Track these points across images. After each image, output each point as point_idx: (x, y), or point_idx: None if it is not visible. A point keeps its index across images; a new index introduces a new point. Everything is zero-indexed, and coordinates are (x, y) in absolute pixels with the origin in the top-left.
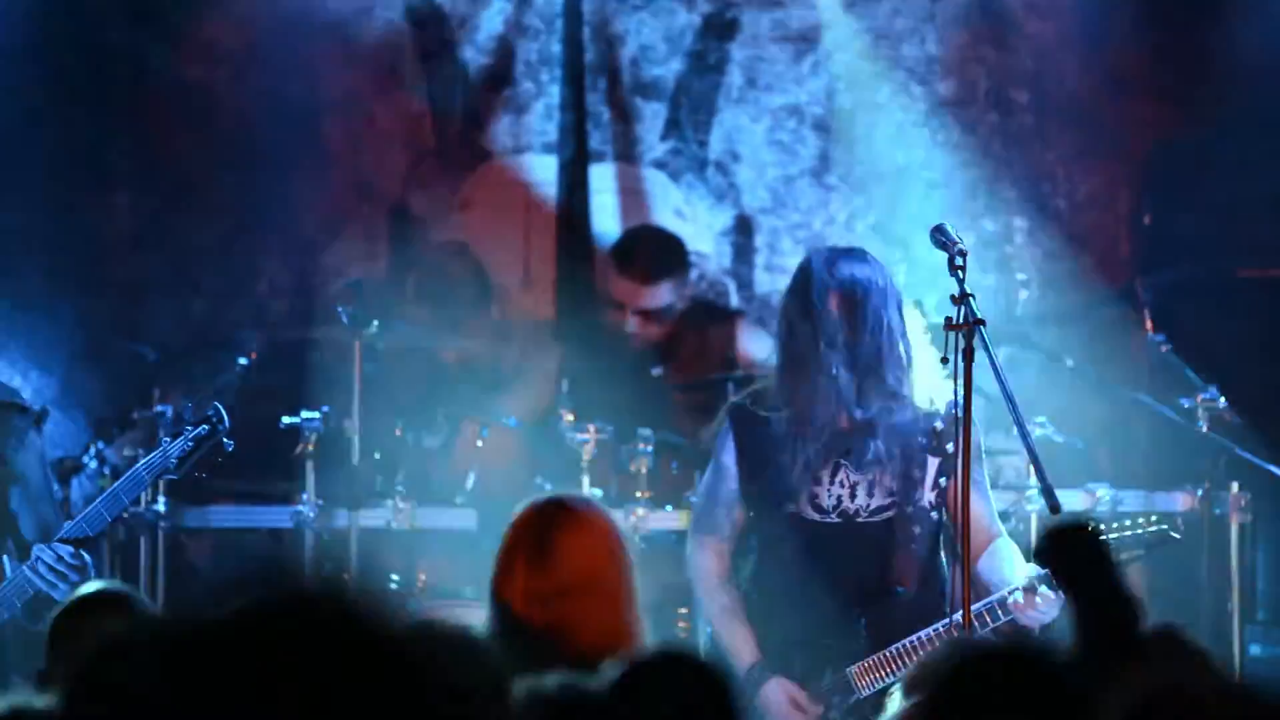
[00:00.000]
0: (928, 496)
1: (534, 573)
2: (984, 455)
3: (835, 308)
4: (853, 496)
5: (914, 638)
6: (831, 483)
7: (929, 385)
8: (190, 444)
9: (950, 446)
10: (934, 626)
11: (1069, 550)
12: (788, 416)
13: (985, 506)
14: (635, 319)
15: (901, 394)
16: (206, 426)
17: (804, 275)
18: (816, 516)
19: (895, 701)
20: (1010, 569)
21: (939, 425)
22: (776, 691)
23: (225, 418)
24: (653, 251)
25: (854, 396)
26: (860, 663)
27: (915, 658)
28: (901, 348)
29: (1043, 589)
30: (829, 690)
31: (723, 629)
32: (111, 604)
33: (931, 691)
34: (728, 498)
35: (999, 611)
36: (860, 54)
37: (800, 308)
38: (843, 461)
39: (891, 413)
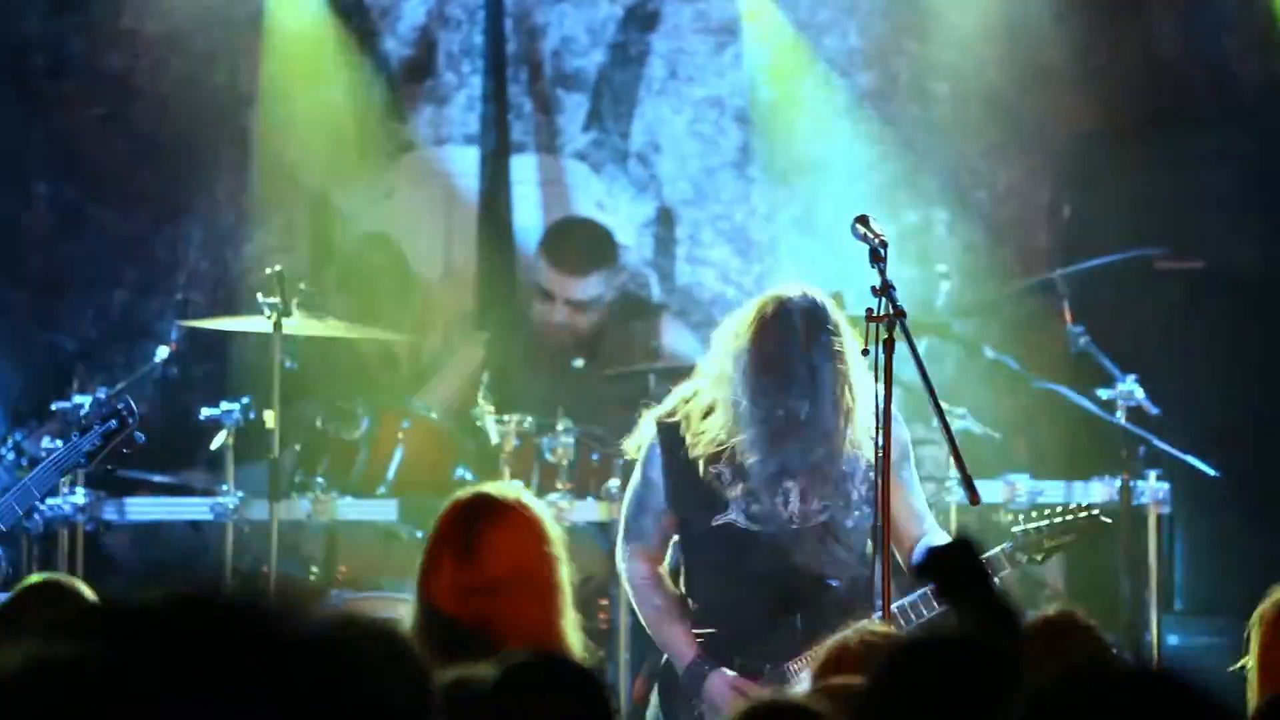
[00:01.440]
0: (858, 491)
1: (461, 568)
2: (910, 453)
3: (799, 349)
4: (786, 504)
5: (846, 629)
6: (764, 492)
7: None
8: (100, 439)
9: (880, 439)
10: (867, 619)
11: (949, 567)
12: (722, 431)
13: (915, 502)
14: (565, 310)
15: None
16: (116, 420)
17: (768, 311)
18: (750, 526)
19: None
20: None
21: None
22: (719, 682)
23: (135, 411)
24: (584, 243)
25: (792, 406)
26: (796, 658)
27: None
28: (851, 383)
29: None
30: (767, 685)
31: (660, 630)
32: (54, 594)
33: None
34: (656, 507)
35: (933, 601)
36: (782, 46)
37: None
38: (777, 469)
39: (828, 436)
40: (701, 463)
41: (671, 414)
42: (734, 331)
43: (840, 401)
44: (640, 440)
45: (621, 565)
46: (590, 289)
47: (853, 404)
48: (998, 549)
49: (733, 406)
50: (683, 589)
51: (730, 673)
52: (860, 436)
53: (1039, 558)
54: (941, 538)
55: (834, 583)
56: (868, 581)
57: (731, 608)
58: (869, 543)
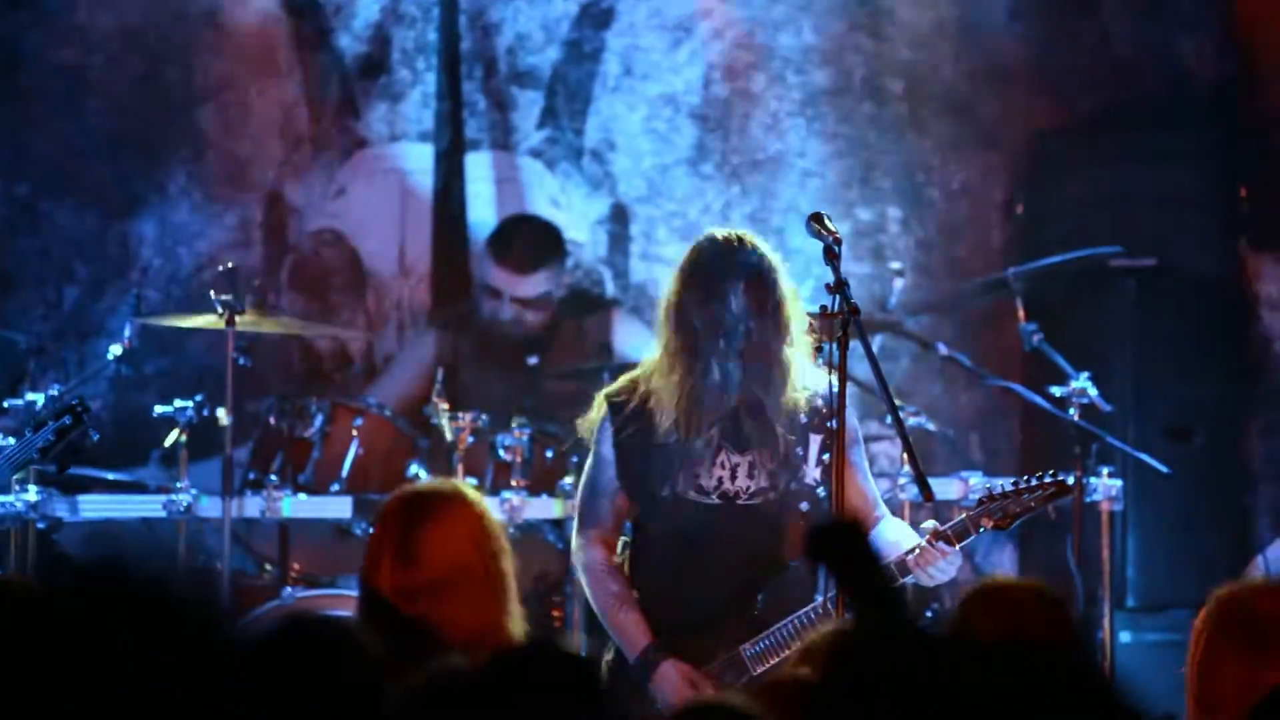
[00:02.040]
0: (812, 474)
1: (400, 568)
2: (861, 439)
3: (738, 295)
4: (733, 478)
5: (801, 614)
6: (713, 464)
7: (810, 366)
8: (53, 435)
9: (831, 423)
10: (817, 601)
11: (835, 546)
12: (669, 401)
13: (867, 487)
14: (512, 307)
15: (785, 376)
16: (70, 416)
17: (703, 261)
18: (698, 498)
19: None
20: (902, 539)
21: (820, 403)
22: (671, 672)
23: (89, 407)
24: (530, 240)
25: (739, 381)
26: (751, 642)
27: (804, 635)
28: (792, 331)
29: (941, 544)
30: (721, 670)
31: (614, 616)
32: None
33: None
34: (609, 487)
35: (897, 573)
36: (736, 43)
37: (699, 295)
38: (723, 443)
39: (771, 393)
40: (651, 437)
41: (623, 391)
42: (668, 285)
43: (779, 360)
44: (592, 419)
45: (577, 553)
46: (537, 286)
47: (790, 363)
48: (962, 515)
49: (673, 376)
50: (635, 572)
51: (682, 664)
52: (803, 401)
53: (1005, 524)
54: (896, 524)
55: (791, 565)
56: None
57: (683, 583)
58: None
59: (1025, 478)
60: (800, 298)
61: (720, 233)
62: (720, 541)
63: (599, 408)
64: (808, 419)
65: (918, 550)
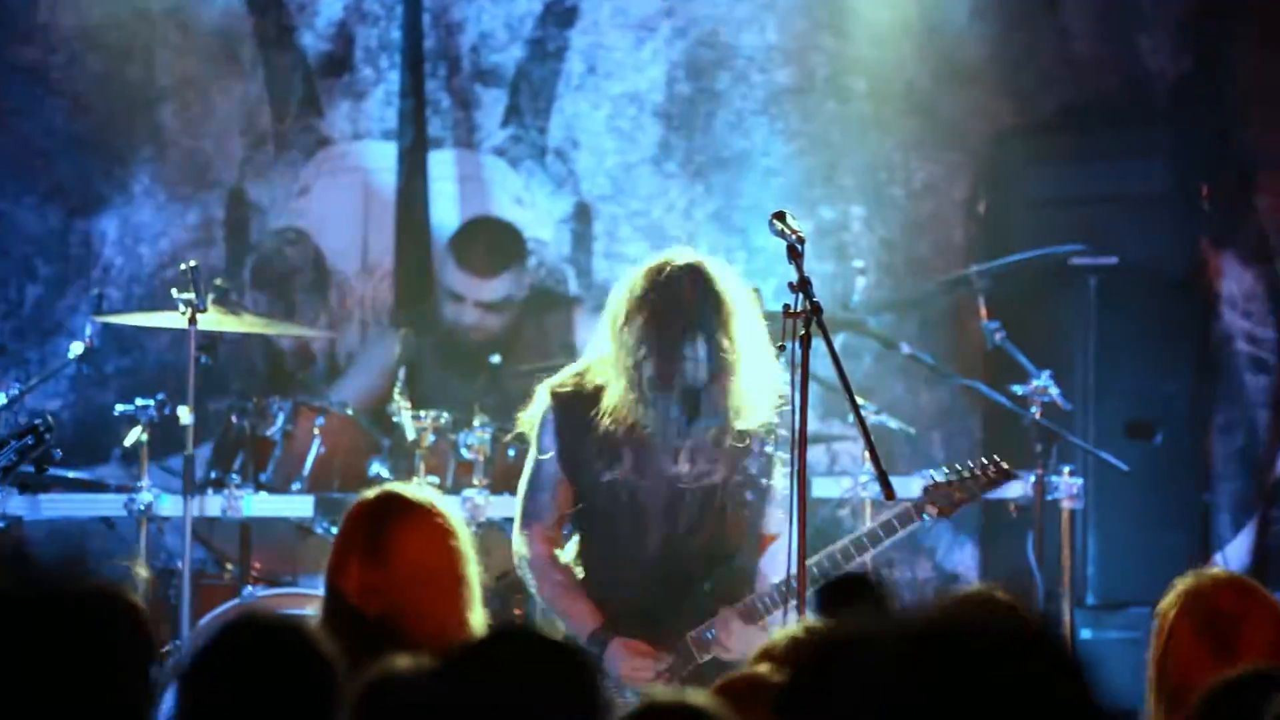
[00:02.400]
0: (755, 464)
1: (368, 568)
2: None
3: (693, 343)
4: (675, 462)
5: (747, 601)
6: (654, 449)
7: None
8: (14, 455)
9: (780, 432)
10: (765, 592)
11: (849, 601)
12: (615, 395)
13: (770, 510)
14: (475, 311)
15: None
16: (32, 437)
17: (657, 300)
18: (639, 482)
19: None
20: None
21: (767, 420)
22: (620, 649)
23: (51, 426)
24: (491, 244)
25: (677, 365)
26: (698, 630)
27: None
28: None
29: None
30: (680, 653)
31: (559, 604)
32: None
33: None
34: (550, 480)
35: (826, 564)
36: (700, 41)
37: (651, 337)
38: (665, 428)
39: (720, 392)
40: (595, 425)
41: (567, 383)
42: (622, 297)
43: (726, 361)
44: (535, 411)
45: (518, 549)
46: (499, 290)
47: (737, 363)
48: (907, 502)
49: (622, 371)
50: (583, 561)
51: (631, 640)
52: (753, 401)
53: (950, 510)
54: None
55: (740, 553)
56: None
57: (633, 573)
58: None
59: (969, 464)
60: (762, 310)
61: (677, 262)
62: (665, 526)
63: (542, 399)
64: (754, 426)
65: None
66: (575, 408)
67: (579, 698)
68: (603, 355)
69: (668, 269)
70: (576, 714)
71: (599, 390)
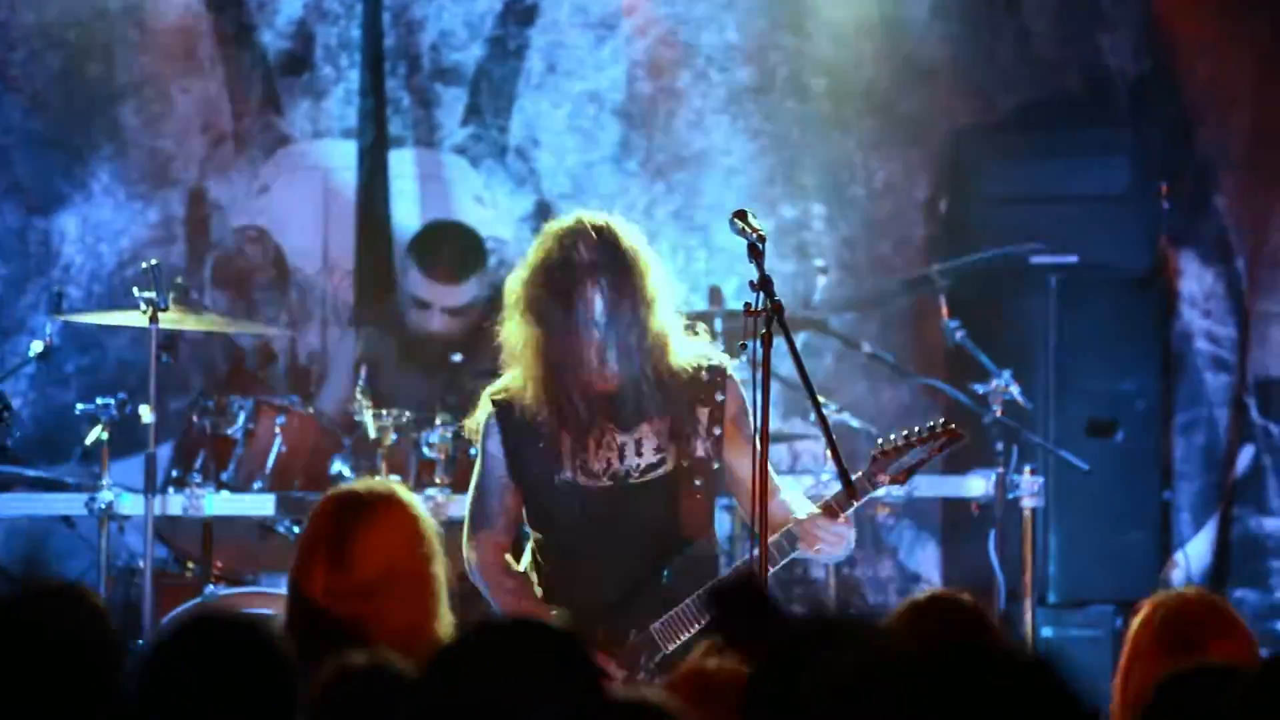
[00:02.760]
0: (703, 447)
1: (333, 569)
2: (749, 411)
3: (594, 290)
4: (621, 458)
5: (708, 588)
6: (599, 447)
7: (684, 336)
8: None
9: (719, 396)
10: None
11: (732, 607)
12: (543, 389)
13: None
14: (442, 317)
15: (659, 349)
16: None
17: (550, 261)
18: (588, 482)
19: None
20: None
21: (704, 376)
22: None
23: (9, 404)
24: (455, 251)
25: (608, 359)
26: (662, 620)
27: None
28: (657, 305)
29: (822, 520)
30: (635, 649)
31: (515, 609)
32: None
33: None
34: (497, 485)
35: (786, 545)
36: (660, 40)
37: (551, 298)
38: (608, 424)
39: (651, 368)
40: (535, 429)
41: (506, 388)
42: (520, 278)
43: (637, 331)
44: (478, 419)
45: (468, 557)
46: (465, 295)
47: (664, 335)
48: (857, 474)
49: (538, 369)
50: (540, 567)
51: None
52: (686, 374)
53: (902, 478)
54: (792, 499)
55: (696, 540)
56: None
57: (583, 566)
58: (717, 494)
59: (915, 429)
60: (662, 266)
61: (563, 224)
62: (617, 523)
63: (484, 407)
64: (691, 391)
65: (800, 531)
66: (516, 413)
67: (574, 681)
68: (520, 352)
69: (556, 234)
70: (573, 696)
71: (530, 391)
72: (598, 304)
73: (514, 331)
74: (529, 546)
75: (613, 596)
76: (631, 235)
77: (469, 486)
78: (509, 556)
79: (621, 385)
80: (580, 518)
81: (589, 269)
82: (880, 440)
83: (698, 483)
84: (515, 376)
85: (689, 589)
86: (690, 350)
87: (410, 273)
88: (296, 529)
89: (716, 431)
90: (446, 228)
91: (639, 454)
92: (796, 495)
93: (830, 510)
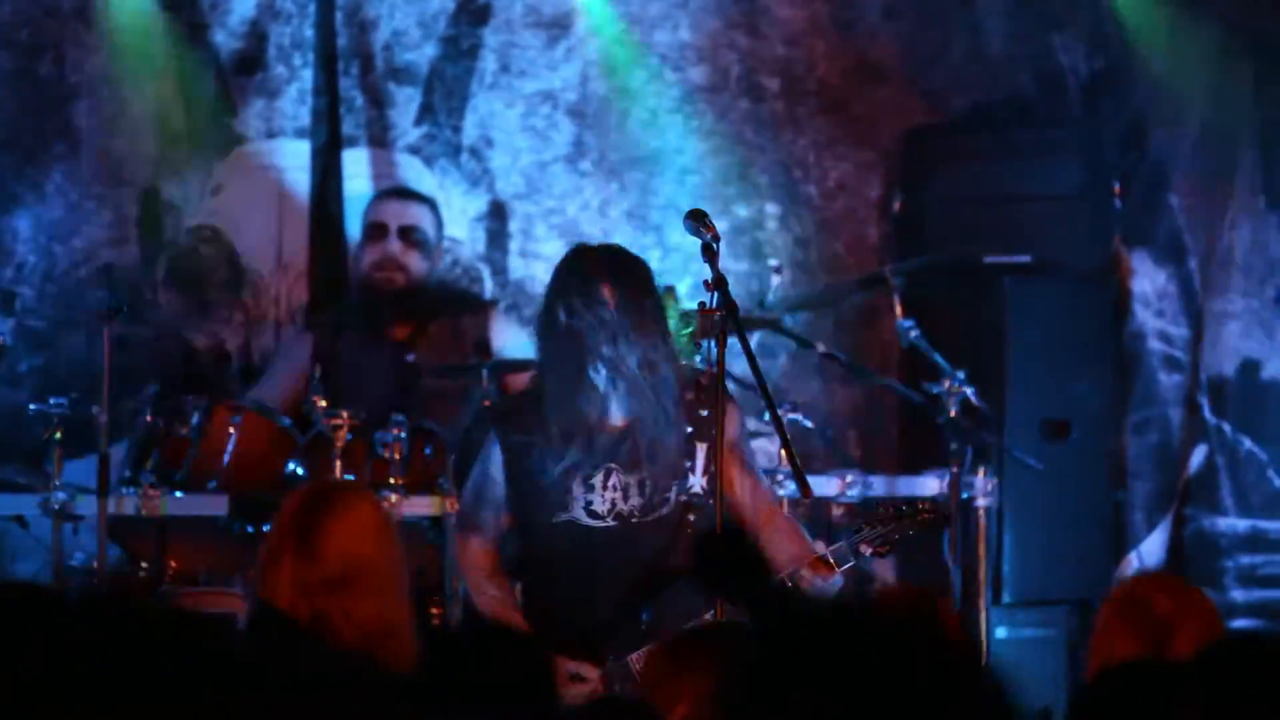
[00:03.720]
0: (699, 484)
1: (301, 561)
2: (746, 434)
3: (612, 300)
4: (625, 498)
5: (695, 623)
6: (604, 487)
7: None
8: None
9: (715, 432)
10: (709, 612)
11: (720, 557)
12: (555, 422)
13: (760, 485)
14: (398, 244)
15: (664, 387)
16: None
17: (574, 271)
18: (592, 522)
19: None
20: (792, 544)
21: (703, 412)
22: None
23: None
24: (410, 188)
25: (621, 397)
26: (640, 651)
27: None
28: (667, 341)
29: (823, 570)
30: (610, 675)
31: (494, 618)
32: None
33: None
34: (495, 502)
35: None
36: (614, 40)
37: (572, 304)
38: (613, 465)
39: (656, 407)
40: (540, 464)
41: (510, 409)
42: (541, 307)
43: (648, 368)
44: (481, 435)
45: (458, 556)
46: (421, 218)
47: (662, 368)
48: (842, 541)
49: (554, 394)
50: (523, 587)
51: (564, 659)
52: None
53: (884, 551)
54: (787, 532)
55: (684, 574)
56: None
57: (576, 606)
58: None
59: (904, 505)
60: (677, 309)
61: (591, 244)
62: (615, 561)
63: (486, 425)
64: (693, 429)
65: (797, 575)
66: (519, 442)
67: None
68: (537, 376)
69: (578, 264)
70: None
71: (539, 422)
72: (612, 333)
73: (537, 352)
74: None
75: (595, 629)
76: (648, 269)
77: (468, 483)
78: (496, 561)
79: (630, 425)
80: (579, 557)
81: (607, 284)
82: (867, 510)
83: (693, 518)
84: (522, 400)
85: (671, 624)
86: (693, 383)
87: (369, 211)
88: (250, 529)
89: (714, 468)
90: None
91: (643, 494)
92: (791, 534)
93: (825, 565)
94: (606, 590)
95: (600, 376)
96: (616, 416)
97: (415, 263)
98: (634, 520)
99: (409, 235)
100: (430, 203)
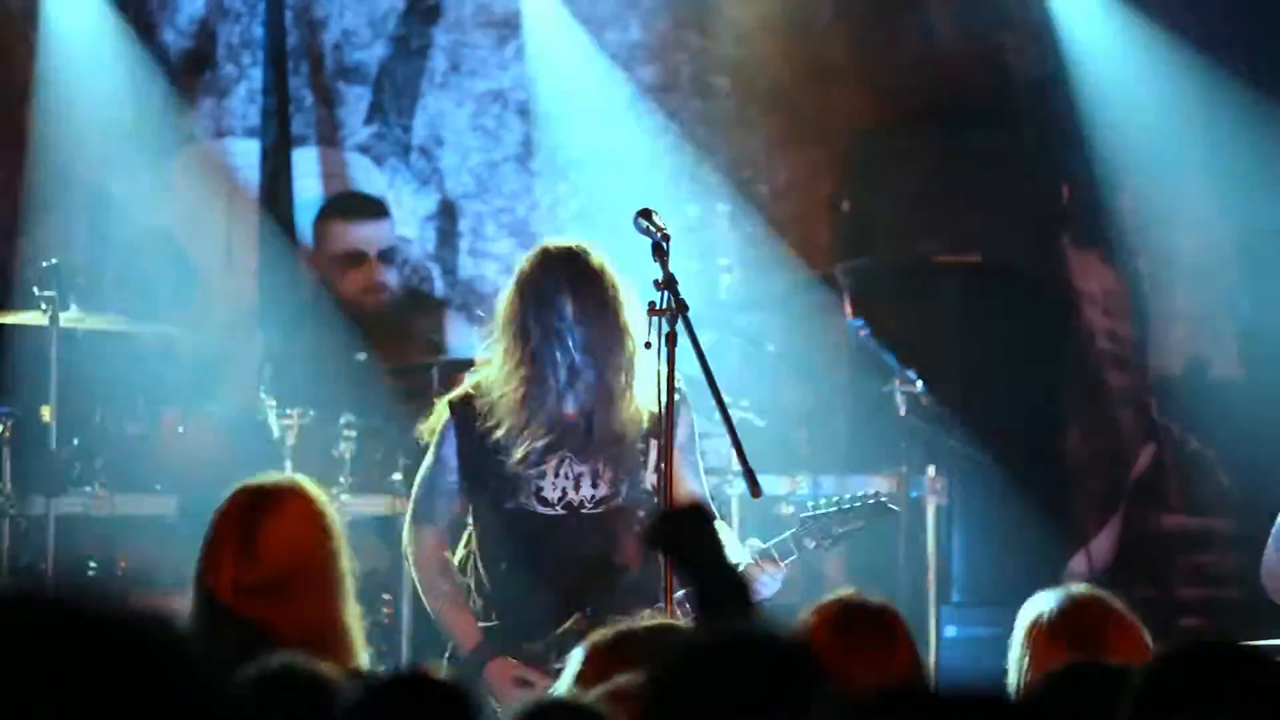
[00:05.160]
0: (649, 480)
1: (240, 562)
2: (696, 439)
3: (574, 301)
4: (577, 488)
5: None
6: (556, 475)
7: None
8: None
9: (663, 429)
10: (655, 606)
11: (677, 530)
12: (510, 410)
13: (700, 489)
14: (380, 266)
15: (622, 381)
16: None
17: (538, 269)
18: (542, 510)
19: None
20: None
21: (659, 410)
22: (499, 671)
23: None
24: (367, 197)
25: (580, 388)
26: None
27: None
28: (629, 339)
29: (768, 565)
30: (556, 672)
31: (443, 615)
32: None
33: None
34: (448, 489)
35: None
36: (564, 39)
37: (532, 300)
38: (565, 453)
39: (611, 400)
40: (494, 449)
41: (466, 396)
42: (504, 297)
43: (612, 362)
44: (434, 423)
45: (408, 547)
46: (392, 235)
47: (630, 367)
48: (786, 534)
49: (512, 386)
50: (472, 575)
51: (511, 660)
52: (644, 410)
53: (827, 543)
54: (724, 532)
55: (628, 572)
56: (657, 567)
57: (523, 596)
58: None
59: (848, 497)
60: (636, 303)
61: (556, 242)
62: (563, 551)
63: (441, 414)
64: (646, 426)
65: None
66: (475, 428)
67: None
68: (496, 368)
69: (535, 253)
70: None
71: (495, 410)
72: (571, 326)
73: (495, 348)
74: (463, 549)
75: (538, 621)
76: (610, 267)
77: (419, 474)
78: (448, 555)
79: (585, 414)
80: (527, 544)
81: (565, 291)
82: (812, 504)
83: (639, 514)
84: (479, 389)
85: (620, 618)
86: (650, 381)
87: (333, 231)
88: (199, 529)
89: (663, 467)
90: (352, 191)
91: (594, 485)
92: (728, 535)
93: (769, 559)
94: (551, 577)
95: (557, 373)
96: (571, 407)
97: (392, 278)
98: (583, 511)
99: (387, 256)
100: (386, 210)
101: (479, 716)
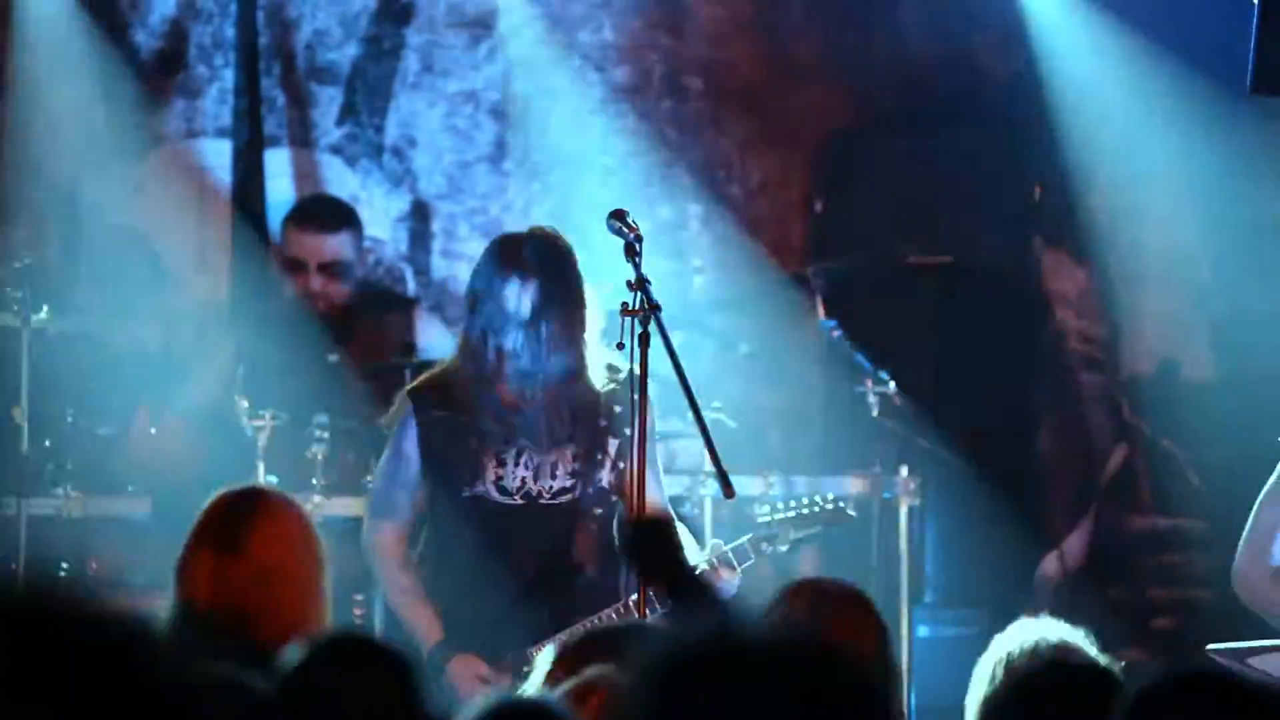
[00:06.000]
0: (607, 478)
1: (222, 561)
2: (657, 438)
3: (520, 288)
4: (536, 478)
5: (594, 619)
6: (516, 464)
7: (601, 365)
8: None
9: (629, 430)
10: (613, 608)
11: (645, 538)
12: (470, 399)
13: (659, 490)
14: (319, 278)
15: (581, 373)
16: None
17: (491, 255)
18: (501, 499)
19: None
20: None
21: (618, 408)
22: (461, 668)
23: None
24: (330, 205)
25: (540, 381)
26: (538, 646)
27: None
28: (582, 328)
29: (724, 570)
30: (509, 668)
31: (405, 611)
32: None
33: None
34: (408, 481)
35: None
36: (536, 40)
37: (486, 288)
38: (525, 443)
39: (572, 393)
40: (454, 436)
41: (426, 388)
42: (469, 286)
43: (564, 347)
44: (395, 414)
45: (368, 539)
46: (341, 248)
47: (577, 352)
48: (743, 539)
49: (472, 370)
50: (429, 567)
51: (473, 659)
52: (602, 403)
53: (784, 548)
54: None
55: (582, 575)
56: (615, 568)
57: (480, 588)
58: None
59: (805, 501)
60: (594, 293)
61: (515, 232)
62: (519, 541)
63: (401, 404)
64: (607, 422)
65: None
66: (435, 417)
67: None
68: (457, 354)
69: (510, 234)
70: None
71: (457, 397)
72: (527, 311)
73: (463, 332)
74: (423, 540)
75: (497, 615)
76: (569, 253)
77: (379, 468)
78: (408, 550)
79: (545, 405)
80: (484, 533)
81: (528, 266)
82: (769, 508)
83: (598, 511)
84: (441, 377)
85: (570, 618)
86: (609, 377)
87: (287, 234)
88: (172, 530)
89: (621, 465)
90: (320, 196)
91: (553, 476)
92: (690, 540)
93: (726, 562)
94: (508, 568)
95: (519, 363)
96: (533, 397)
97: (336, 290)
98: (542, 501)
99: (328, 270)
100: (349, 221)
101: (414, 674)
